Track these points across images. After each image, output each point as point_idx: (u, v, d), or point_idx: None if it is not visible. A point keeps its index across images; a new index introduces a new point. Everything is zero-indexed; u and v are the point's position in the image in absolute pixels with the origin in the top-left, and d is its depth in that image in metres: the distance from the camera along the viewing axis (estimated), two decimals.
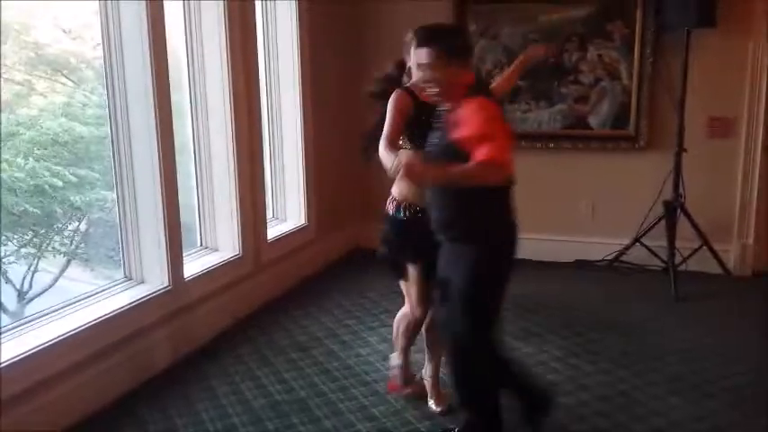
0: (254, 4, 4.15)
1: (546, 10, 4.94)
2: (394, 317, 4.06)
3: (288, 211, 4.84)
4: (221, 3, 3.81)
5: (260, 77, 4.31)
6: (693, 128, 4.70)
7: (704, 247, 4.69)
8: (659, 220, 4.72)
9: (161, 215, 3.39)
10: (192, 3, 3.82)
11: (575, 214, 5.17)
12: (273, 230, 4.54)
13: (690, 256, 4.70)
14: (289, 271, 4.64)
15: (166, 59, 3.38)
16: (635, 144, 4.92)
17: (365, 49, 5.38)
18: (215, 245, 4.09)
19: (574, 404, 3.07)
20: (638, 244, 4.85)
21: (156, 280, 3.47)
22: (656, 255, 4.79)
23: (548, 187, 5.04)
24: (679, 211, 4.65)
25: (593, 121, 5.01)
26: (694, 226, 4.64)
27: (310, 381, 3.34)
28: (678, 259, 4.64)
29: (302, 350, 3.69)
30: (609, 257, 5.02)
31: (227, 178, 4.00)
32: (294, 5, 4.60)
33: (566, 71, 4.98)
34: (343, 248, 5.46)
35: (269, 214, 4.59)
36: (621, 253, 4.95)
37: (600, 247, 5.01)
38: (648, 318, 4.11)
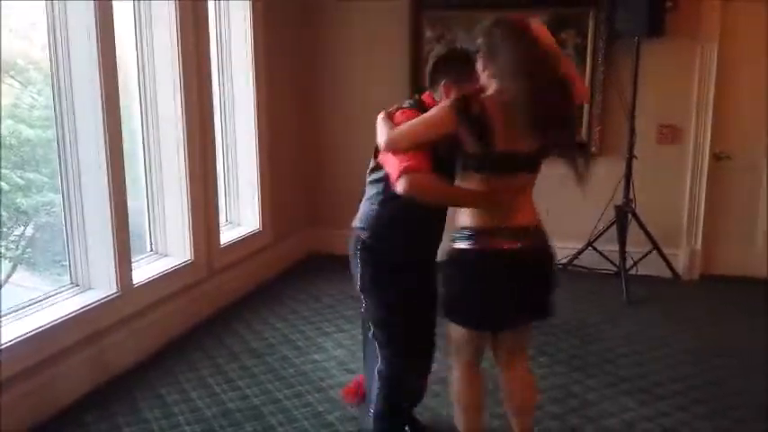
0: (206, 5, 4.08)
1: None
2: (350, 322, 4.09)
3: (242, 216, 4.76)
4: (173, 2, 3.74)
5: (213, 79, 4.23)
6: (644, 135, 4.81)
7: (654, 252, 4.79)
8: (611, 224, 4.80)
9: (109, 220, 3.30)
10: (142, 2, 3.74)
11: None
12: (227, 235, 4.46)
13: (640, 260, 4.79)
14: (243, 276, 4.57)
15: (115, 60, 3.29)
16: (588, 150, 4.99)
17: (321, 53, 5.36)
18: (166, 250, 3.99)
19: None
20: (590, 248, 4.93)
21: (103, 286, 3.36)
22: (607, 259, 4.87)
23: None
24: (630, 216, 4.74)
25: None
26: (645, 231, 4.73)
27: (264, 387, 3.29)
28: (629, 263, 4.72)
29: (256, 356, 3.63)
30: (562, 261, 5.08)
31: (179, 182, 3.91)
32: (248, 5, 4.54)
33: None
34: (299, 254, 5.41)
35: (222, 219, 4.51)
36: (575, 257, 5.01)
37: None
38: (600, 320, 4.17)
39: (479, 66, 2.31)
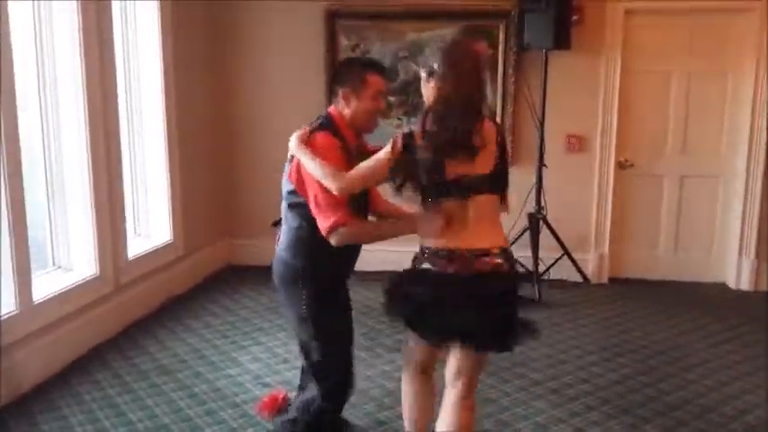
0: (110, 5, 3.93)
1: (414, 28, 5.05)
2: (267, 334, 4.01)
3: (152, 228, 4.58)
4: (75, 3, 3.58)
5: (119, 84, 4.06)
6: (553, 144, 4.97)
7: (565, 257, 4.94)
8: (524, 231, 4.92)
9: (6, 232, 3.11)
10: (42, 2, 3.56)
11: None
12: (135, 248, 4.28)
13: (552, 265, 4.94)
14: (153, 291, 4.40)
15: (11, 62, 3.13)
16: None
17: (233, 60, 5.27)
18: (69, 264, 3.80)
19: None
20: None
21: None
22: (521, 264, 4.96)
23: None
24: (541, 222, 4.88)
25: None
26: (555, 237, 4.88)
27: (175, 406, 3.17)
28: (542, 268, 4.86)
29: (166, 374, 3.50)
30: None
31: (82, 192, 3.74)
32: (156, 6, 4.40)
33: None
34: (214, 265, 5.26)
35: (131, 231, 4.32)
36: None
37: None
38: None
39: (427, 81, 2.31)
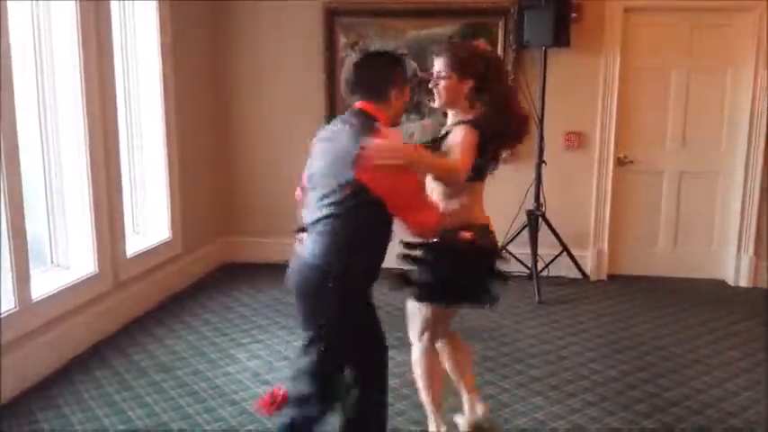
0: (108, 5, 3.92)
1: (414, 26, 5.05)
2: (266, 331, 4.00)
3: (150, 226, 4.57)
4: (74, 3, 3.58)
5: (117, 80, 4.04)
6: (552, 141, 4.96)
7: (564, 254, 4.95)
8: (523, 228, 4.92)
9: (4, 231, 3.11)
10: (40, 2, 3.55)
11: None
12: (134, 246, 4.27)
13: (551, 262, 4.94)
14: (152, 288, 4.40)
15: (10, 59, 3.13)
16: None
17: (232, 57, 5.27)
18: (68, 262, 3.80)
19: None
20: (504, 252, 5.02)
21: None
22: (520, 262, 4.97)
23: None
24: (540, 219, 4.88)
25: None
26: (554, 234, 4.88)
27: (174, 403, 3.16)
28: (541, 265, 4.86)
29: (165, 371, 3.50)
30: None
31: (81, 190, 3.74)
32: (155, 5, 4.39)
33: None
34: (212, 263, 5.26)
35: (129, 229, 4.31)
36: None
37: None
38: (513, 322, 4.26)
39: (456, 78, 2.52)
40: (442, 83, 2.54)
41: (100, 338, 3.85)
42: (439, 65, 2.56)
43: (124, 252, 4.09)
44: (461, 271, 2.51)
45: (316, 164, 2.37)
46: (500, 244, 4.90)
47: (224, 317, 4.27)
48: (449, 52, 2.56)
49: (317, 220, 2.29)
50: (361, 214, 2.25)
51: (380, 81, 2.35)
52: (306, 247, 2.35)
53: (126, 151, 4.32)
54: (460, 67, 2.51)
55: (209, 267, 5.19)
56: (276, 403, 3.06)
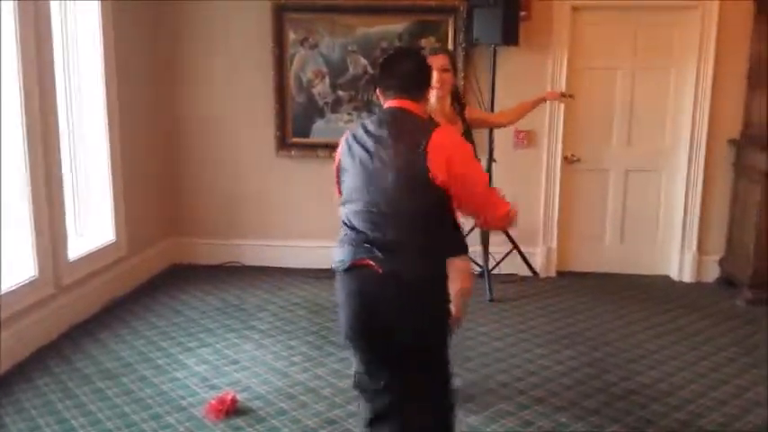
0: (48, 4, 3.78)
1: (364, 23, 5.02)
2: (214, 335, 3.93)
3: (94, 227, 4.43)
4: (12, 3, 3.44)
5: (57, 79, 3.91)
6: (502, 139, 4.99)
7: (515, 251, 4.99)
8: (474, 226, 4.94)
9: None
10: None
11: None
12: (77, 248, 4.13)
13: (502, 260, 4.98)
14: (96, 292, 4.27)
15: None
16: None
17: (178, 54, 5.15)
18: (7, 266, 3.64)
19: None
20: None
21: None
22: (472, 260, 4.99)
23: None
24: None
25: None
26: (505, 232, 4.92)
27: (119, 411, 3.08)
28: (492, 263, 4.90)
29: (110, 378, 3.40)
30: None
31: (19, 191, 3.59)
32: (97, 4, 4.26)
33: None
34: (159, 265, 5.13)
35: (71, 231, 4.16)
36: None
37: None
38: (465, 321, 4.26)
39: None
40: (448, 75, 3.01)
41: (41, 345, 3.72)
42: (442, 60, 2.98)
43: (66, 255, 3.96)
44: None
45: (368, 174, 2.23)
46: None
47: (171, 320, 4.17)
48: (446, 51, 3.17)
49: (411, 228, 2.20)
50: (442, 213, 2.27)
51: (419, 81, 2.32)
52: (390, 262, 2.19)
53: (67, 151, 4.18)
54: (455, 64, 3.11)
55: (156, 269, 5.07)
56: (224, 409, 3.03)
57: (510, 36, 4.68)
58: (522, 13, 4.77)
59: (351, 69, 5.08)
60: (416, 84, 2.31)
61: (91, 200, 4.42)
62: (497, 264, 4.97)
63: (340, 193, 2.38)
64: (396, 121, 2.25)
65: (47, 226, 3.75)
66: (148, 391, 3.26)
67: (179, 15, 5.09)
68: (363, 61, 5.07)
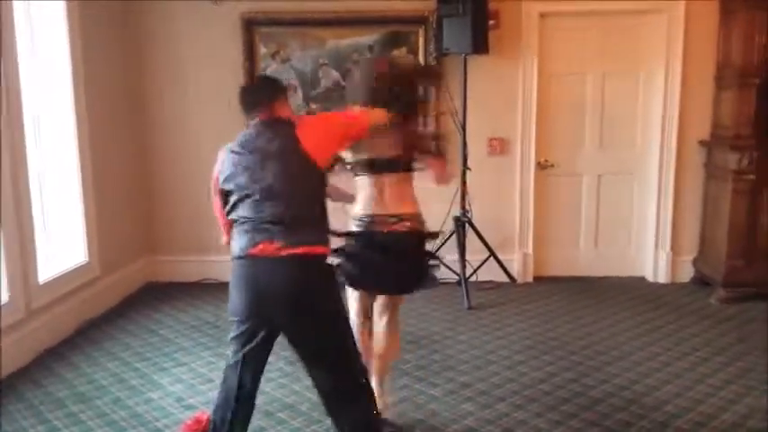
0: (10, 5, 3.73)
1: (335, 35, 5.02)
2: (189, 353, 3.88)
3: (65, 248, 4.36)
4: None
5: (23, 94, 3.85)
6: (476, 147, 5.02)
7: (492, 258, 5.00)
8: (450, 235, 4.95)
9: None
10: None
11: None
12: (47, 271, 4.06)
13: (479, 267, 4.99)
14: (68, 315, 4.20)
15: None
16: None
17: (148, 71, 5.12)
18: None
19: None
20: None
21: None
22: (449, 268, 4.99)
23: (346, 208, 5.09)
24: (467, 225, 4.92)
25: None
26: (481, 239, 4.93)
27: None
28: (469, 271, 4.90)
29: (83, 401, 3.34)
30: None
31: None
32: (63, 6, 4.22)
33: None
34: (133, 284, 5.07)
35: (42, 253, 4.08)
36: None
37: None
38: (442, 329, 4.27)
39: None
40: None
41: (12, 371, 3.64)
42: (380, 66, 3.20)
43: (36, 278, 3.89)
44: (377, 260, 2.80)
45: (256, 171, 2.45)
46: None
47: (146, 340, 4.11)
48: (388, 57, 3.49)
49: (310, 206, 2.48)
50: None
51: (265, 90, 2.68)
52: (288, 236, 2.39)
53: (35, 169, 4.09)
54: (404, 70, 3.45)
55: (130, 289, 5.00)
56: (200, 429, 2.98)
57: (479, 45, 4.71)
58: (491, 22, 4.81)
59: (323, 82, 5.08)
60: (264, 95, 2.59)
61: (61, 221, 4.35)
62: (474, 271, 4.98)
63: (223, 201, 2.59)
64: (267, 127, 2.51)
65: (17, 249, 3.69)
66: (122, 414, 3.21)
67: (148, 29, 5.06)
68: (335, 74, 5.07)
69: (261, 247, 2.39)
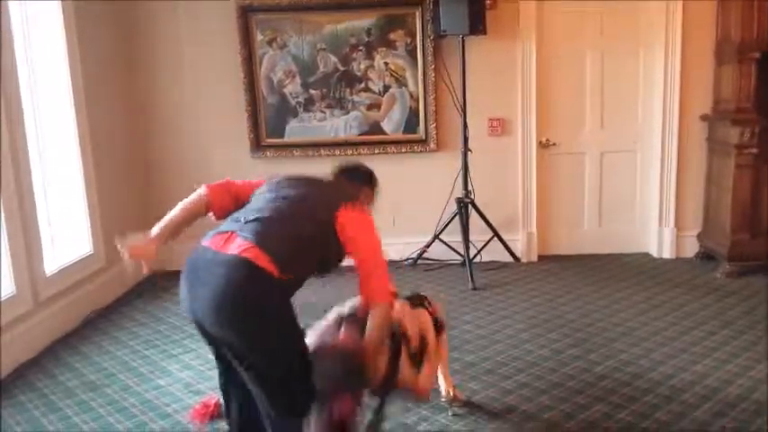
0: (6, 4, 3.74)
1: (331, 20, 5.01)
2: (197, 340, 3.91)
3: (70, 240, 4.39)
4: None
5: (22, 88, 3.88)
6: (476, 128, 5.01)
7: (495, 239, 5.01)
8: (453, 216, 4.97)
9: None
10: None
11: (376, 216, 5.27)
12: (53, 262, 4.09)
13: (483, 247, 5.01)
14: (76, 305, 4.24)
15: None
16: (426, 147, 5.14)
17: (145, 61, 5.13)
18: None
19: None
20: (438, 240, 5.07)
21: None
22: (453, 249, 5.03)
23: None
24: (470, 206, 4.93)
25: (386, 126, 5.16)
26: (484, 219, 4.94)
27: (104, 422, 3.06)
28: (473, 252, 4.92)
29: (94, 389, 3.38)
30: (412, 256, 5.19)
31: None
32: (59, 5, 4.22)
33: (356, 79, 5.08)
34: (140, 274, 5.06)
35: (47, 244, 4.10)
36: (423, 251, 5.14)
37: (402, 247, 5.15)
38: (448, 310, 4.24)
39: None
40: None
41: (23, 361, 3.69)
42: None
43: (43, 270, 3.93)
44: None
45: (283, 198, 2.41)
46: (434, 233, 4.98)
47: (154, 328, 4.15)
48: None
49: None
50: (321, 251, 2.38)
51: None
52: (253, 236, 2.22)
53: (37, 163, 4.11)
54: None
55: (136, 278, 5.03)
56: (209, 413, 3.03)
57: (477, 26, 4.69)
58: (488, 2, 4.79)
59: (321, 67, 5.08)
60: (360, 176, 2.71)
61: (65, 213, 4.37)
62: (478, 252, 5.00)
63: (230, 202, 2.53)
64: (328, 186, 2.55)
65: (22, 241, 3.72)
66: (132, 401, 3.24)
67: (144, 19, 5.05)
68: (333, 58, 5.07)
69: (217, 238, 2.26)
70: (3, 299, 3.59)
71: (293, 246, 2.26)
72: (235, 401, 2.46)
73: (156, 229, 2.45)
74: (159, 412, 3.12)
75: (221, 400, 3.07)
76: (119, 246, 2.33)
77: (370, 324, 2.37)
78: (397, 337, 2.48)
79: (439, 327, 2.78)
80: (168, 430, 2.97)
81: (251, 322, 2.15)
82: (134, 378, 3.49)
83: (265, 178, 2.60)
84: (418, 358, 2.57)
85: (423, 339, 2.62)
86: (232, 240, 2.23)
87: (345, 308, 2.57)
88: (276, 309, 2.20)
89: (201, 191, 2.56)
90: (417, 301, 2.79)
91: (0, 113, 3.59)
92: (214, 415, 3.02)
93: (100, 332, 4.12)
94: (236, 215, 2.40)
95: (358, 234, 2.38)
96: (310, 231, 2.33)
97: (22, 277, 3.72)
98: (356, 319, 2.45)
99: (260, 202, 2.42)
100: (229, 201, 2.55)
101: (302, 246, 2.30)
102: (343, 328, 2.42)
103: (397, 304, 2.58)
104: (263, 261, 2.15)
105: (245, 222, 2.30)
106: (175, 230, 2.48)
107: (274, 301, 2.19)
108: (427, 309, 2.77)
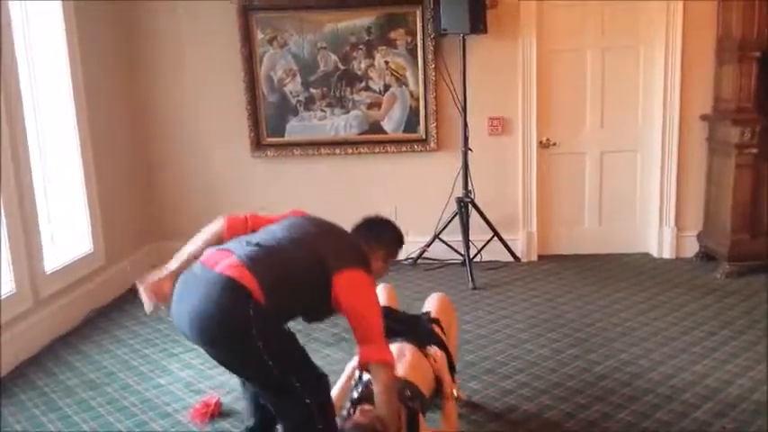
0: (7, 5, 3.73)
1: (332, 18, 5.00)
2: None
3: (70, 238, 4.38)
4: None
5: (23, 87, 3.87)
6: (476, 127, 5.01)
7: (495, 238, 5.01)
8: (454, 216, 4.97)
9: None
10: None
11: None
12: (53, 261, 4.09)
13: (483, 247, 5.01)
14: (76, 303, 4.24)
15: None
16: (426, 146, 5.13)
17: (146, 60, 5.13)
18: None
19: None
20: (438, 240, 5.07)
21: None
22: (453, 249, 5.03)
23: (350, 191, 5.11)
24: (470, 206, 4.93)
25: (386, 125, 5.15)
26: (484, 219, 4.94)
27: (103, 420, 3.06)
28: (473, 251, 4.92)
29: (94, 388, 3.38)
30: (413, 256, 5.19)
31: None
32: (59, 6, 4.21)
33: (356, 78, 5.08)
34: (140, 271, 5.03)
35: (47, 243, 4.10)
36: (423, 251, 5.14)
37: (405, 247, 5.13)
38: None
39: None
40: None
41: (22, 359, 3.69)
42: None
43: (43, 268, 3.93)
44: None
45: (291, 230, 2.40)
46: (434, 232, 4.98)
47: (154, 327, 4.15)
48: None
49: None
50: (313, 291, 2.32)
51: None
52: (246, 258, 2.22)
53: (38, 161, 4.11)
54: None
55: (137, 276, 4.99)
56: (209, 412, 3.03)
57: (478, 24, 4.68)
58: (489, 1, 4.78)
59: (321, 66, 5.07)
60: (376, 234, 2.62)
61: (65, 211, 4.37)
62: (479, 252, 5.00)
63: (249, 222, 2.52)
64: (343, 232, 2.50)
65: (22, 240, 3.72)
66: (132, 400, 3.25)
67: (144, 19, 5.04)
68: (333, 57, 5.06)
69: (215, 254, 2.28)
70: (3, 297, 3.59)
71: (281, 277, 2.23)
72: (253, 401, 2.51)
73: (174, 264, 2.47)
74: (159, 411, 3.13)
75: (222, 399, 3.09)
76: (140, 289, 2.45)
77: (376, 390, 2.33)
78: (405, 396, 2.44)
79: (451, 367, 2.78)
80: (168, 430, 2.97)
81: (228, 339, 2.18)
82: (134, 377, 3.49)
83: (288, 213, 2.57)
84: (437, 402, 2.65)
85: (438, 380, 2.63)
86: (226, 258, 2.24)
87: (354, 392, 2.51)
88: (253, 327, 2.14)
89: (221, 222, 2.54)
90: (425, 338, 2.75)
91: (0, 112, 3.58)
92: (214, 414, 3.02)
93: (100, 331, 4.12)
94: (242, 237, 2.40)
95: (352, 304, 2.31)
96: (303, 276, 2.29)
97: (22, 275, 3.72)
98: (365, 395, 2.41)
99: (268, 234, 2.39)
100: (244, 232, 2.50)
101: (291, 282, 2.26)
102: (357, 413, 2.38)
103: (404, 353, 2.59)
104: (247, 280, 2.15)
105: (247, 245, 2.29)
106: (191, 262, 2.44)
107: (251, 319, 2.13)
108: (438, 337, 2.78)
